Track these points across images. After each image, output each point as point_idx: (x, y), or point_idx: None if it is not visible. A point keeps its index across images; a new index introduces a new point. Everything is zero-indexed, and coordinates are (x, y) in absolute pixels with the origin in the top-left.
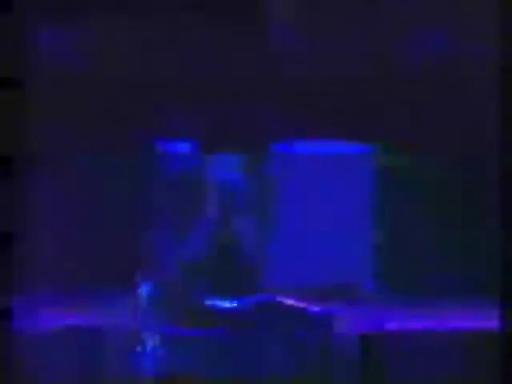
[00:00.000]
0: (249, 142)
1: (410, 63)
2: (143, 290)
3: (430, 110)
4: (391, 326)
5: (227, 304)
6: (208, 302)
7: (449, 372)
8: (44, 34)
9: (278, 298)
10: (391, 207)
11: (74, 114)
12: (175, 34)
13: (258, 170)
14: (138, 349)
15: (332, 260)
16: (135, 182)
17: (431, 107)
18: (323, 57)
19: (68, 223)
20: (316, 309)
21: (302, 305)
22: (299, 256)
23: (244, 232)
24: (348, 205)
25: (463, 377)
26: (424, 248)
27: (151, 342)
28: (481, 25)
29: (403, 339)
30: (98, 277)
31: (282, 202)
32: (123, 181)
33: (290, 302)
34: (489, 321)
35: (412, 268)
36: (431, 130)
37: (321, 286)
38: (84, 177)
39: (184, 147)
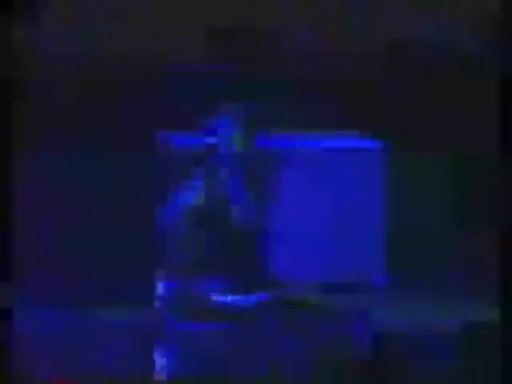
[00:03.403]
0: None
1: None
2: (159, 287)
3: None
4: (399, 319)
5: (239, 299)
6: (221, 298)
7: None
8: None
9: (290, 293)
10: (399, 203)
11: (75, 113)
12: None
13: (272, 165)
14: (153, 345)
15: (341, 256)
16: (144, 178)
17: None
18: (335, 55)
19: (80, 219)
20: (328, 303)
21: (313, 299)
22: (309, 252)
23: (253, 228)
24: (357, 201)
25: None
26: (431, 244)
27: (167, 337)
28: (481, 26)
29: (411, 332)
30: (111, 273)
31: (293, 196)
32: (132, 176)
33: (301, 296)
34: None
35: (420, 262)
36: (437, 129)
37: (329, 281)
38: (95, 173)
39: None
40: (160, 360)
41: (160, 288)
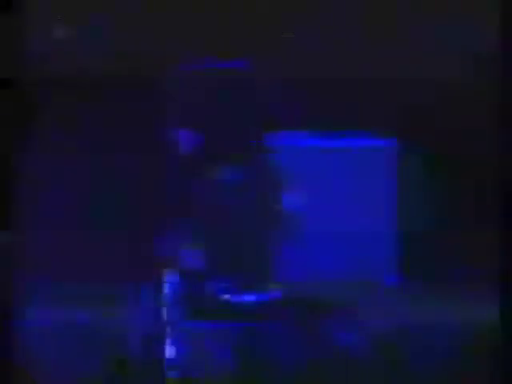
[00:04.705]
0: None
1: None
2: (167, 286)
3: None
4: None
5: (249, 298)
6: (229, 296)
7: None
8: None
9: (299, 292)
10: (407, 203)
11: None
12: None
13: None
14: (160, 344)
15: (354, 255)
16: (155, 176)
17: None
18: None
19: (84, 217)
20: (337, 302)
21: (323, 298)
22: (320, 251)
23: (263, 227)
24: (366, 200)
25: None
26: (438, 243)
27: (173, 336)
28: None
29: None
30: (117, 273)
31: (303, 195)
32: (142, 174)
33: (310, 295)
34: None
35: (429, 262)
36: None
37: (342, 279)
38: (102, 172)
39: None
40: (169, 358)
41: (170, 287)
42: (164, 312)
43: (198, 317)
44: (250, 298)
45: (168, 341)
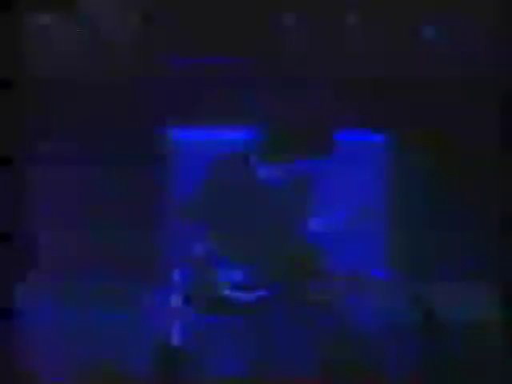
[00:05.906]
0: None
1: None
2: (176, 282)
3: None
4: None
5: (248, 294)
6: (230, 292)
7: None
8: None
9: (295, 288)
10: (401, 197)
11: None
12: None
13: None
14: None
15: (344, 249)
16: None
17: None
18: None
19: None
20: (330, 296)
21: (316, 292)
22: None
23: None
24: (359, 195)
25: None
26: (432, 240)
27: (181, 331)
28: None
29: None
30: (120, 271)
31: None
32: (153, 168)
33: (305, 290)
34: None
35: (420, 257)
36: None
37: (332, 273)
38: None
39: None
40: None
41: (177, 279)
42: (173, 307)
43: (206, 311)
44: (251, 293)
45: (177, 336)
